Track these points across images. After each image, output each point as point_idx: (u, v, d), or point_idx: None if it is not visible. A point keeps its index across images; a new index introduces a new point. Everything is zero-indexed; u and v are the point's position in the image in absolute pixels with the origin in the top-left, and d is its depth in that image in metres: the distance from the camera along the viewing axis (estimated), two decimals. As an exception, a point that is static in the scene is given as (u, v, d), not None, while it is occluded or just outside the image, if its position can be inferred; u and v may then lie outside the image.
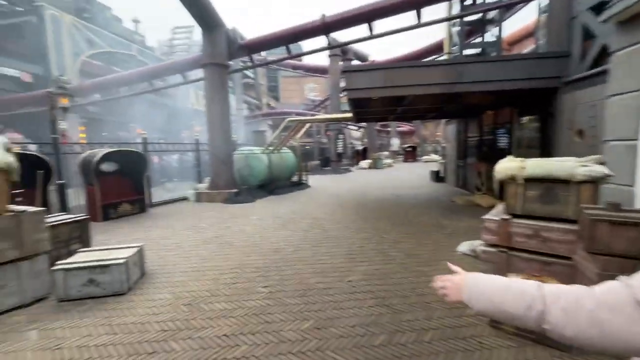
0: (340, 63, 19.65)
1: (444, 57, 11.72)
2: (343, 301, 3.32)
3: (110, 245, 4.67)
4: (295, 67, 27.32)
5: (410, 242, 5.25)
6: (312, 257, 4.66)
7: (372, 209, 8.08)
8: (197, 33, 30.13)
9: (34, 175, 6.14)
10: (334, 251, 4.91)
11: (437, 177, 13.32)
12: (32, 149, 8.14)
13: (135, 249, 4.03)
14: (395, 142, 31.89)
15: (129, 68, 16.75)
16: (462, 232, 5.80)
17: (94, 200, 7.41)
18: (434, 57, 16.32)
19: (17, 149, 7.14)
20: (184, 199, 10.39)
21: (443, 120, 13.85)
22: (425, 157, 29.39)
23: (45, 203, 6.41)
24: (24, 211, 3.36)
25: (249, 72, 34.47)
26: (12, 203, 4.30)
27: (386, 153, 28.53)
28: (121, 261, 3.59)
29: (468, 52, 10.46)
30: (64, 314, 3.21)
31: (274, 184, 11.42)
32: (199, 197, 9.91)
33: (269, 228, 6.46)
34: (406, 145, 30.95)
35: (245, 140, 19.43)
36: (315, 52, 11.07)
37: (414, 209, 7.99)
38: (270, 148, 11.38)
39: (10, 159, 3.27)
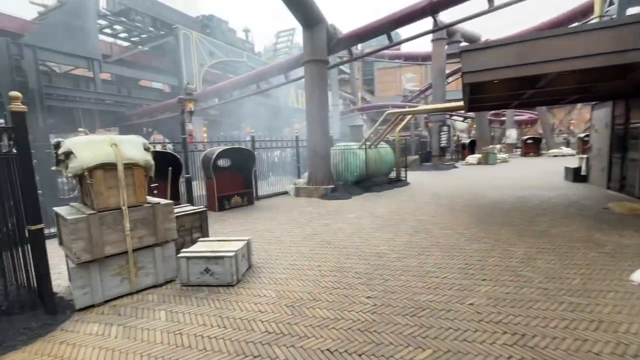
0: (446, 47, 17.73)
1: (594, 22, 9.16)
2: (467, 330, 2.69)
3: (224, 237, 5.04)
4: (392, 57, 26.07)
5: (550, 261, 4.13)
6: (420, 268, 4.08)
7: (487, 213, 6.87)
8: (297, 35, 31.88)
9: (173, 170, 7.21)
10: (446, 263, 4.22)
11: (575, 175, 10.66)
12: (169, 147, 9.72)
13: (243, 242, 4.20)
14: (512, 134, 27.22)
15: (240, 74, 18.72)
16: (630, 252, 4.31)
17: (213, 192, 8.37)
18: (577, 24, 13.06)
19: (159, 147, 8.59)
20: (285, 193, 10.93)
21: (579, 105, 10.94)
22: (552, 151, 24.28)
23: (177, 194, 7.51)
24: (158, 203, 3.81)
25: (344, 67, 34.70)
26: (150, 195, 5.03)
27: (499, 146, 24.75)
28: (231, 254, 3.75)
29: (631, 11, 7.88)
30: (185, 298, 3.52)
31: (371, 181, 11.00)
32: (298, 192, 10.26)
33: (368, 228, 6.09)
34: (526, 137, 26.13)
35: (340, 136, 19.51)
36: (418, 36, 10.09)
37: (547, 215, 6.44)
38: (367, 143, 10.98)
39: (148, 157, 3.73)
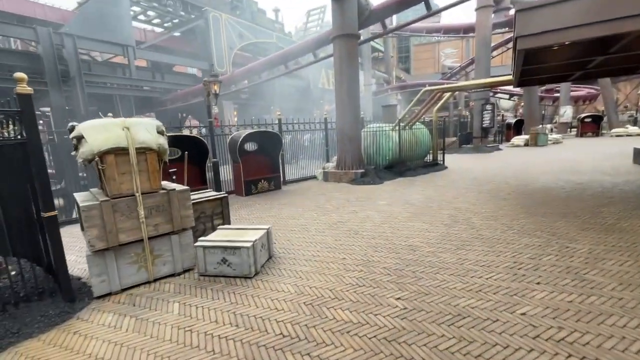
0: (492, 15, 15.94)
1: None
2: (519, 349, 2.21)
3: (245, 225, 4.83)
4: (430, 31, 24.11)
5: (624, 262, 3.41)
6: (459, 265, 3.57)
7: (539, 202, 6.04)
8: (328, 14, 30.57)
9: (198, 153, 7.16)
10: (491, 260, 3.66)
11: (647, 158, 9.19)
12: (195, 131, 9.71)
13: (263, 231, 3.94)
14: (568, 111, 24.35)
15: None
16: None
17: (239, 176, 8.25)
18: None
19: (186, 131, 8.58)
20: (313, 177, 10.63)
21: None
22: (616, 130, 21.43)
23: (203, 179, 7.48)
24: (173, 189, 3.62)
25: (378, 45, 33.00)
26: (170, 180, 4.92)
27: (549, 126, 22.38)
28: (248, 244, 3.50)
29: None
30: (200, 290, 3.34)
31: (404, 165, 10.31)
32: (326, 177, 9.89)
33: (400, 217, 5.59)
34: (584, 115, 23.30)
35: (373, 117, 18.67)
36: (462, 2, 8.98)
37: (615, 205, 5.51)
38: (402, 124, 10.22)
39: (162, 141, 3.52)
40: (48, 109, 13.02)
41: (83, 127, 3.19)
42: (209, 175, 7.95)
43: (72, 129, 3.36)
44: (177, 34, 19.42)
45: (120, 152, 3.24)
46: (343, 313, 2.77)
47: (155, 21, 19.07)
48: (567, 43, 4.86)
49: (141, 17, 18.38)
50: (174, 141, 6.75)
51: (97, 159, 3.13)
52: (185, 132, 8.14)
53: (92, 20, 12.72)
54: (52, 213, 2.94)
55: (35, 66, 11.74)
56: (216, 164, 8.13)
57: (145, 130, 3.43)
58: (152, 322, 2.82)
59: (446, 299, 2.89)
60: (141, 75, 15.63)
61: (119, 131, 3.27)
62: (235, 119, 18.68)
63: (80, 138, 3.16)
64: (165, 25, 19.47)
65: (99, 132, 3.18)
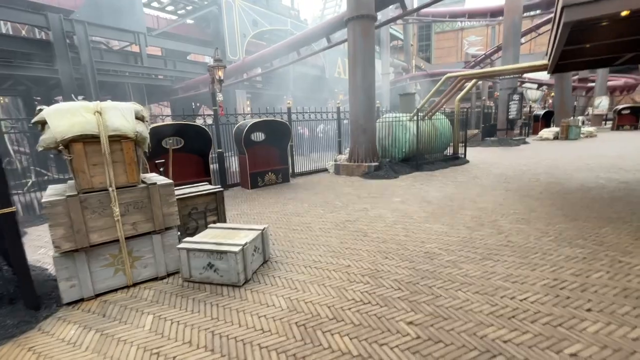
0: (524, -5, 14.62)
1: None
2: (572, 412, 1.63)
3: (240, 224, 4.38)
4: (454, 15, 22.70)
5: (698, 285, 2.72)
6: (486, 280, 2.97)
7: (578, 204, 5.28)
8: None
9: (202, 143, 6.77)
10: (525, 275, 3.04)
11: None
12: (199, 120, 9.33)
13: (256, 233, 3.47)
14: (604, 102, 22.50)
15: (285, 43, 17.62)
16: None
17: (245, 168, 7.82)
18: None
19: (201, 120, 8.19)
20: (325, 170, 10.10)
21: None
22: (657, 123, 19.63)
23: (207, 170, 7.09)
24: (154, 183, 3.19)
25: (397, 33, 31.66)
26: (158, 172, 4.51)
27: (581, 118, 20.76)
28: (237, 249, 3.03)
29: None
30: (181, 299, 2.91)
31: (422, 158, 9.59)
32: (338, 169, 9.33)
33: (415, 217, 5.00)
34: (621, 106, 21.46)
35: (391, 107, 17.81)
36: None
37: (672, 210, 4.70)
38: (420, 114, 9.46)
39: (140, 128, 3.07)
40: (60, 97, 13.03)
41: (47, 112, 2.77)
42: (214, 166, 7.57)
43: (39, 113, 2.96)
44: (190, 21, 19.07)
45: (90, 140, 2.82)
46: (341, 340, 2.27)
47: (169, 8, 18.76)
48: (623, 15, 4.06)
49: (154, 4, 18.11)
50: (175, 130, 6.40)
51: (61, 147, 2.71)
52: (200, 121, 7.77)
53: (103, 6, 12.49)
54: (9, 209, 2.56)
55: (48, 54, 11.66)
56: (221, 155, 7.73)
57: (121, 116, 2.99)
58: (117, 339, 2.41)
59: (470, 327, 2.33)
60: (153, 63, 15.41)
61: (89, 116, 2.84)
62: (249, 108, 18.29)
63: (44, 124, 2.75)
64: (179, 12, 19.14)
65: (63, 117, 2.75)
